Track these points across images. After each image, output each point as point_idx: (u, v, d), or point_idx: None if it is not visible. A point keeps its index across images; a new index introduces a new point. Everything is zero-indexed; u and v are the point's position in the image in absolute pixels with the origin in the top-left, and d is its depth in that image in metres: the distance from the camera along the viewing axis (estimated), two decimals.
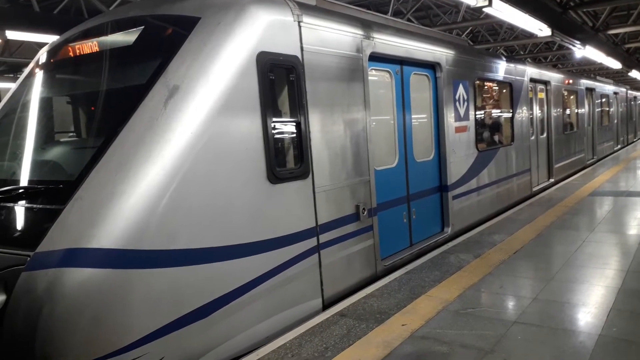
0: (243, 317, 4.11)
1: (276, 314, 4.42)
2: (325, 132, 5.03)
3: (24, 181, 4.24)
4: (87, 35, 4.86)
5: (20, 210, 3.90)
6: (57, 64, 5.03)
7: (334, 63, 5.17)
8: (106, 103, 4.38)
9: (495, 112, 9.65)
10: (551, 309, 4.63)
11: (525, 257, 6.30)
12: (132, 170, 3.56)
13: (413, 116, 6.81)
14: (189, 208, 3.71)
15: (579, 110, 15.25)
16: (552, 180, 12.49)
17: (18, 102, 5.03)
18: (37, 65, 5.20)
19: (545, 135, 12.27)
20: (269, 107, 4.36)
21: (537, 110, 11.65)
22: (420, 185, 6.95)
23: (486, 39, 18.80)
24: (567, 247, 6.58)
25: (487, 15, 12.86)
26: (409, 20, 13.42)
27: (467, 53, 8.26)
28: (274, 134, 4.43)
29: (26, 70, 5.33)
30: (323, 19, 5.08)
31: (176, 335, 3.60)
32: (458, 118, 7.73)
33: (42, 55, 5.24)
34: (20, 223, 3.88)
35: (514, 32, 17.54)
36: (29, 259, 3.32)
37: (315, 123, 4.89)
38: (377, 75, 6.16)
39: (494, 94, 9.71)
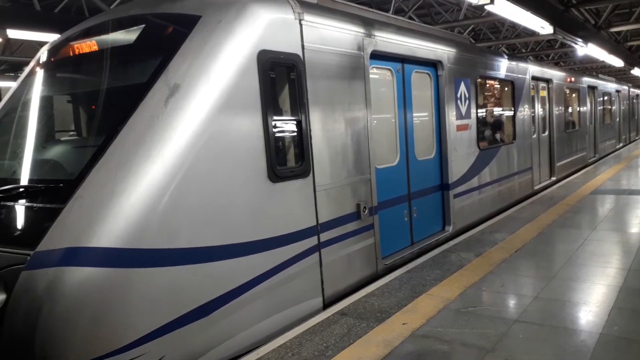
0: (243, 316, 4.10)
1: (276, 313, 4.41)
2: (326, 130, 5.02)
3: (24, 180, 4.23)
4: (88, 34, 4.86)
5: (20, 209, 3.90)
6: (58, 63, 5.02)
7: (335, 61, 5.16)
8: (107, 102, 4.37)
9: (497, 111, 9.63)
10: (552, 307, 4.62)
11: (526, 255, 6.28)
12: (133, 169, 3.56)
13: (414, 114, 6.80)
14: (190, 207, 3.71)
15: (581, 109, 15.21)
16: (553, 178, 12.47)
17: (19, 101, 5.02)
18: (37, 64, 5.20)
19: (547, 133, 12.24)
20: (269, 106, 4.35)
21: (538, 109, 11.62)
22: (422, 184, 6.94)
23: (488, 36, 18.77)
24: (569, 246, 6.57)
25: (489, 13, 12.85)
26: (410, 18, 13.39)
27: (469, 51, 8.24)
28: (274, 133, 4.42)
29: (27, 69, 5.33)
30: (324, 17, 5.07)
31: (176, 334, 3.60)
32: (459, 116, 7.71)
33: (42, 54, 5.24)
34: (20, 222, 3.88)
35: (515, 30, 17.50)
36: (29, 258, 3.32)
37: (316, 121, 4.88)
38: (378, 74, 6.15)
39: (496, 92, 9.69)
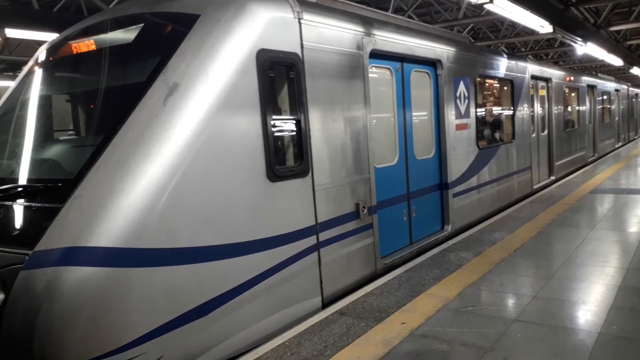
0: (242, 316, 4.10)
1: (275, 312, 4.41)
2: (326, 129, 5.01)
3: (22, 179, 4.23)
4: (86, 33, 4.85)
5: (18, 209, 3.89)
6: (57, 62, 5.02)
7: (335, 60, 5.15)
8: (105, 101, 4.37)
9: (496, 110, 9.63)
10: (551, 307, 4.62)
11: (525, 255, 6.29)
12: (132, 168, 3.55)
13: (414, 114, 6.80)
14: (189, 206, 3.71)
15: (580, 108, 15.22)
16: (552, 177, 12.47)
17: (17, 100, 5.02)
18: (36, 63, 5.19)
19: (546, 132, 12.25)
20: (268, 105, 4.34)
21: (538, 108, 11.62)
22: (421, 183, 6.93)
23: (487, 35, 18.75)
24: (568, 245, 6.57)
25: (489, 12, 12.84)
26: (409, 17, 13.38)
27: (468, 50, 8.24)
28: (273, 132, 4.42)
29: (25, 68, 5.32)
30: (323, 16, 5.06)
31: (175, 334, 3.60)
32: (459, 115, 7.71)
33: (41, 53, 5.23)
34: (18, 221, 3.87)
35: (515, 29, 17.49)
36: (27, 257, 3.31)
37: (315, 121, 4.87)
38: (377, 73, 6.14)
39: (495, 91, 9.69)
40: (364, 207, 5.50)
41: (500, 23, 17.23)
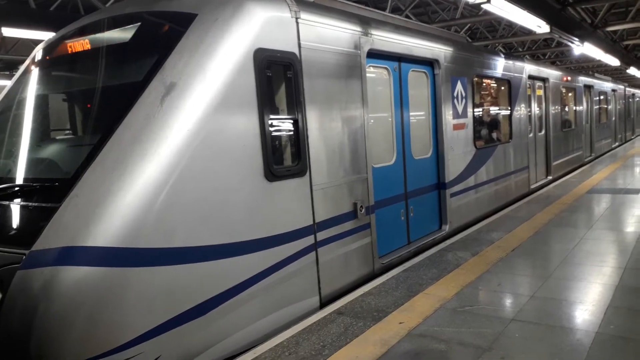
0: (240, 315, 4.10)
1: (273, 312, 4.41)
2: (323, 129, 5.01)
3: (19, 179, 4.21)
4: (83, 32, 4.83)
5: (15, 209, 3.88)
6: (53, 61, 5.00)
7: (332, 60, 5.15)
8: (102, 100, 4.35)
9: (494, 110, 9.64)
10: (549, 306, 4.62)
11: (523, 254, 6.29)
12: (129, 167, 3.54)
13: (411, 113, 6.80)
14: (186, 206, 3.70)
15: (577, 108, 15.25)
16: (550, 177, 12.50)
17: (14, 100, 5.00)
18: (33, 62, 5.17)
19: (543, 132, 12.27)
20: (266, 104, 4.34)
21: (535, 108, 11.64)
22: (418, 183, 6.94)
23: (484, 35, 18.78)
24: (565, 245, 6.58)
25: (486, 12, 12.86)
26: (407, 16, 13.39)
27: (466, 50, 8.24)
28: (271, 131, 4.41)
29: (22, 68, 5.30)
30: (321, 16, 5.06)
31: (172, 334, 3.59)
32: (456, 115, 7.72)
33: (38, 53, 5.21)
34: (15, 221, 3.86)
35: (512, 28, 17.53)
36: (24, 257, 3.30)
37: (313, 120, 4.87)
38: (375, 72, 6.14)
39: (492, 91, 9.70)
40: (361, 206, 5.50)
41: (498, 23, 17.27)
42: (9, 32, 8.17)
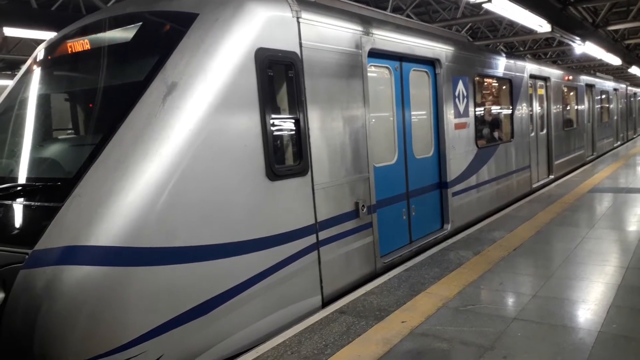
0: (242, 315, 4.10)
1: (276, 311, 4.41)
2: (325, 129, 5.01)
3: (22, 179, 4.22)
4: (84, 32, 4.84)
5: (18, 208, 3.89)
6: (55, 61, 5.01)
7: (333, 59, 5.15)
8: (104, 100, 4.36)
9: (495, 109, 9.63)
10: (551, 305, 4.62)
11: (524, 254, 6.29)
12: (131, 167, 3.54)
13: (412, 113, 6.79)
14: (188, 205, 3.70)
15: (579, 107, 15.23)
16: (551, 176, 12.48)
17: (16, 100, 5.01)
18: (34, 62, 5.18)
19: (545, 131, 12.25)
20: (267, 104, 4.34)
21: (536, 107, 11.63)
22: (420, 182, 6.93)
23: (486, 35, 18.76)
24: (567, 244, 6.57)
25: (487, 12, 12.84)
26: (408, 16, 13.39)
27: (467, 49, 8.24)
28: (272, 131, 4.41)
29: (24, 67, 5.31)
30: (322, 15, 5.06)
31: (175, 333, 3.59)
32: (457, 114, 7.71)
33: (39, 52, 5.22)
34: (18, 221, 3.86)
35: (513, 28, 17.50)
36: (27, 256, 3.31)
37: (314, 120, 4.87)
38: (376, 72, 6.14)
39: (494, 90, 9.69)
40: (363, 206, 5.50)
41: (499, 22, 17.25)
42: (11, 32, 8.18)
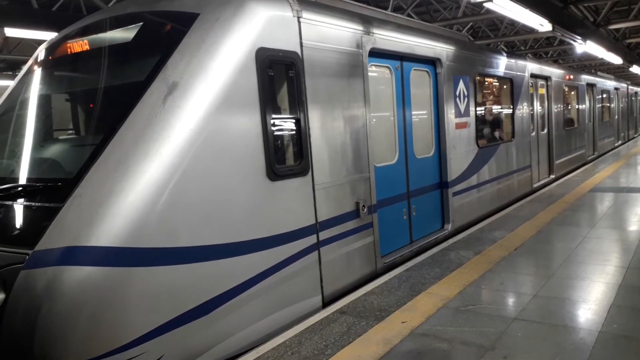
0: (243, 315, 4.10)
1: (276, 312, 4.41)
2: (325, 128, 5.01)
3: (22, 179, 4.22)
4: (85, 32, 4.84)
5: (18, 208, 3.89)
6: (56, 61, 5.01)
7: (334, 59, 5.15)
8: (105, 100, 4.36)
9: (496, 108, 9.62)
10: (551, 305, 4.62)
11: (525, 253, 6.28)
12: (131, 167, 3.55)
13: (413, 112, 6.79)
14: (188, 205, 3.70)
15: (580, 106, 15.22)
16: (552, 176, 12.47)
17: (16, 100, 5.01)
18: (35, 62, 5.18)
19: (545, 131, 12.24)
20: (268, 104, 4.34)
21: (537, 106, 11.61)
22: (421, 182, 6.93)
23: (487, 34, 18.74)
24: (568, 244, 6.57)
25: (488, 11, 12.83)
26: (409, 15, 13.38)
27: (468, 49, 8.23)
28: (273, 131, 4.41)
29: (25, 68, 5.31)
30: (323, 15, 5.05)
31: (175, 333, 3.59)
32: (458, 114, 7.71)
33: (40, 53, 5.22)
34: (18, 221, 3.86)
35: (514, 27, 17.48)
36: (27, 257, 3.31)
37: (315, 119, 4.87)
38: (377, 71, 6.14)
39: (495, 89, 9.68)
40: (364, 206, 5.50)
41: (500, 22, 17.22)
42: (12, 32, 8.18)
